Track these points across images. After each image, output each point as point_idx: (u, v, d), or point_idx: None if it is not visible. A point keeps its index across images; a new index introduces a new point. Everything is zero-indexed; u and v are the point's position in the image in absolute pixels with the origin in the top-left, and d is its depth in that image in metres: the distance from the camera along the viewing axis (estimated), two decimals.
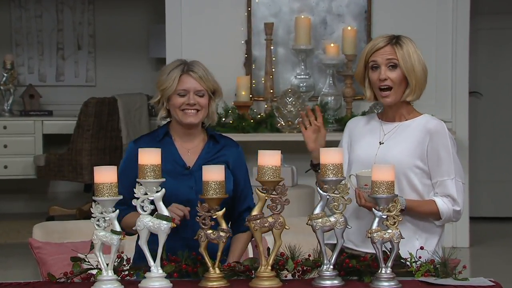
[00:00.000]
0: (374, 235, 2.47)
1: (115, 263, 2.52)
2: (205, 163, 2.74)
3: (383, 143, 2.84)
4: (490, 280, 2.57)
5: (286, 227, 2.50)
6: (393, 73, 2.80)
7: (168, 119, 3.03)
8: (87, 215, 2.84)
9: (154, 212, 2.50)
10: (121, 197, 2.48)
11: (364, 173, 2.67)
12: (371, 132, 2.88)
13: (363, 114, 5.83)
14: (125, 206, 2.67)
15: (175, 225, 2.49)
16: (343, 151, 2.56)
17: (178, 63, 3.01)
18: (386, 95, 2.81)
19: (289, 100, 5.70)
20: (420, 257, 2.63)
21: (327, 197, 2.50)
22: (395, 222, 2.48)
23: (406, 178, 2.78)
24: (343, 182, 2.51)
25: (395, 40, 2.83)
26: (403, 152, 2.80)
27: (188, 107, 2.93)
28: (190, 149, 2.95)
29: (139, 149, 2.52)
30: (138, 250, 2.69)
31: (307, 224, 2.53)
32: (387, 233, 2.47)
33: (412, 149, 2.80)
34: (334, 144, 2.93)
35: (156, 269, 2.47)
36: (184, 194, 2.83)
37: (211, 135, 3.01)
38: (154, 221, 2.47)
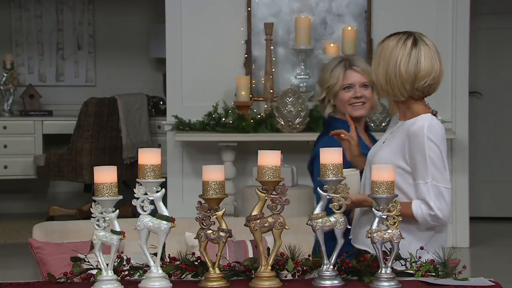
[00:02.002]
0: (374, 235, 2.47)
1: (115, 263, 2.52)
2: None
3: (384, 142, 2.87)
4: (490, 280, 2.57)
5: (286, 227, 2.50)
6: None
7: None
8: (87, 215, 2.84)
9: (155, 212, 2.50)
10: (120, 197, 2.48)
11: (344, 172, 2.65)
12: (389, 129, 2.93)
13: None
14: None
15: (175, 226, 2.48)
16: (341, 150, 2.55)
17: (339, 59, 3.19)
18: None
19: (289, 100, 5.70)
20: (420, 257, 2.63)
21: (327, 197, 2.50)
22: (395, 222, 2.48)
23: None
24: (343, 182, 2.51)
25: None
26: (386, 152, 2.82)
27: (355, 100, 3.15)
28: (366, 140, 3.17)
29: (139, 149, 2.52)
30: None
31: (307, 224, 2.53)
32: (387, 233, 2.47)
33: (395, 150, 2.80)
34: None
35: (156, 269, 2.47)
36: None
37: (366, 125, 3.27)
38: (154, 221, 2.47)
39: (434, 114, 2.82)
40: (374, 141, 3.26)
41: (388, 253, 2.51)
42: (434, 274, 2.55)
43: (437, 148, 2.75)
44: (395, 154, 2.79)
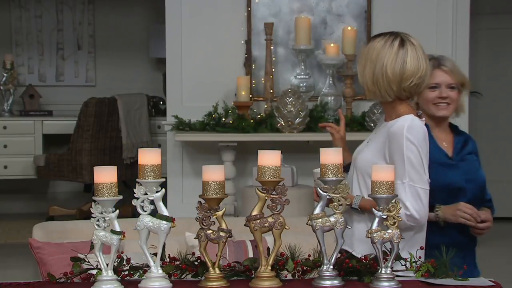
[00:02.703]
0: (374, 235, 2.47)
1: (115, 263, 2.52)
2: (462, 155, 3.04)
3: (368, 142, 2.90)
4: (490, 280, 2.57)
5: (286, 227, 2.50)
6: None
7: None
8: (87, 215, 2.84)
9: (155, 212, 2.50)
10: (120, 197, 2.48)
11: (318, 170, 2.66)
12: (375, 130, 2.96)
13: (363, 114, 5.84)
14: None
15: (175, 226, 2.48)
16: (341, 150, 2.56)
17: (428, 58, 3.08)
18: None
19: (289, 100, 5.70)
20: (420, 257, 2.63)
21: (327, 197, 2.50)
22: (395, 222, 2.48)
23: (370, 177, 2.79)
24: (343, 182, 2.51)
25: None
26: (370, 153, 2.84)
27: (440, 100, 3.09)
28: (444, 140, 3.11)
29: (139, 149, 2.52)
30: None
31: (307, 224, 2.53)
32: (387, 233, 2.47)
33: (376, 149, 2.83)
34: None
35: (156, 269, 2.47)
36: (456, 182, 3.01)
37: (452, 126, 3.19)
38: (154, 221, 2.46)
39: (418, 116, 2.84)
40: (459, 144, 3.15)
41: (388, 253, 2.51)
42: (434, 274, 2.55)
43: (416, 148, 2.75)
44: (377, 154, 2.81)
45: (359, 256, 2.63)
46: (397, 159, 2.75)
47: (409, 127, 2.76)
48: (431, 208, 2.95)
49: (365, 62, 2.81)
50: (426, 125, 3.05)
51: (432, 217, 2.97)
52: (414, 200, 2.73)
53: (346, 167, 2.90)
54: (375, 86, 2.80)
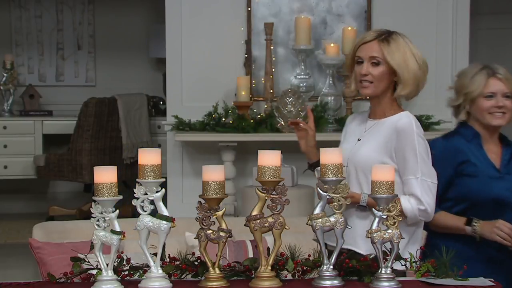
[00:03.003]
0: (374, 235, 2.47)
1: (115, 263, 2.52)
2: (509, 167, 3.01)
3: (360, 139, 2.87)
4: (490, 280, 2.57)
5: (286, 227, 2.50)
6: (375, 69, 2.82)
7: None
8: (87, 215, 2.84)
9: (155, 212, 2.50)
10: (120, 197, 2.48)
11: None
12: (358, 128, 2.93)
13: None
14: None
15: (175, 226, 2.48)
16: (341, 150, 2.55)
17: (480, 66, 3.12)
18: (365, 86, 2.84)
19: (289, 100, 5.70)
20: (420, 257, 2.63)
21: (327, 197, 2.50)
22: (395, 222, 2.48)
23: None
24: (343, 182, 2.51)
25: (383, 37, 2.82)
26: (372, 149, 2.82)
27: (496, 110, 3.07)
28: (493, 152, 3.09)
29: (139, 149, 2.52)
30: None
31: (307, 224, 2.53)
32: (387, 233, 2.47)
33: (381, 146, 2.81)
34: (335, 144, 2.94)
35: (156, 269, 2.47)
36: (501, 196, 2.98)
37: (502, 137, 3.16)
38: (154, 221, 2.46)
39: None
40: (507, 156, 3.13)
41: (388, 253, 2.51)
42: (434, 274, 2.55)
43: (425, 144, 2.80)
44: (379, 151, 2.80)
45: (364, 254, 2.64)
46: (409, 155, 2.76)
47: (416, 123, 2.81)
48: (469, 221, 2.95)
49: (406, 59, 2.80)
50: (477, 134, 3.06)
51: (469, 231, 2.97)
52: (427, 195, 2.76)
53: (314, 165, 2.93)
54: (416, 80, 2.82)
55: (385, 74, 2.81)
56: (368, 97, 2.92)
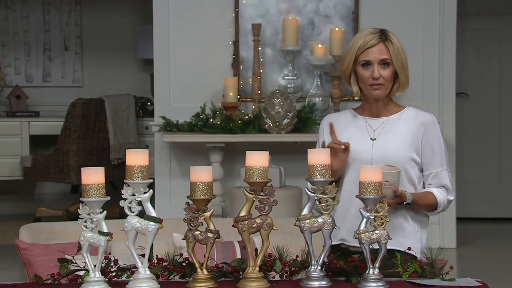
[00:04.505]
0: (362, 236, 2.47)
1: (103, 264, 2.51)
2: None
3: (375, 139, 2.86)
4: (477, 281, 2.58)
5: (274, 228, 2.50)
6: (385, 71, 2.83)
7: None
8: (74, 216, 2.84)
9: (142, 213, 2.50)
10: (108, 198, 2.47)
11: (385, 169, 2.68)
12: (357, 129, 2.90)
13: None
14: None
15: (162, 227, 2.48)
16: (329, 151, 2.54)
17: None
18: (378, 88, 2.83)
19: (277, 101, 5.70)
20: (407, 258, 2.64)
21: (315, 198, 2.50)
22: (382, 223, 2.49)
23: (405, 171, 2.82)
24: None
25: (384, 37, 2.83)
26: (399, 146, 2.83)
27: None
28: None
29: (127, 150, 2.51)
30: None
31: (295, 225, 2.53)
32: (374, 234, 2.48)
33: (408, 142, 2.84)
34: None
35: (143, 270, 2.47)
36: None
37: None
38: (142, 222, 2.46)
39: None
40: None
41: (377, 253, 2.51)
42: (421, 274, 2.56)
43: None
44: (407, 147, 2.83)
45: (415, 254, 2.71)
46: (437, 148, 2.85)
47: (434, 116, 2.91)
48: None
49: (403, 59, 2.84)
50: None
51: None
52: (452, 186, 2.91)
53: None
54: (407, 77, 2.86)
55: (393, 74, 2.83)
56: (360, 98, 2.94)
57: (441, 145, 2.86)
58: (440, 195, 2.85)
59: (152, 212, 2.47)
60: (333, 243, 2.59)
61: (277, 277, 2.59)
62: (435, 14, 6.04)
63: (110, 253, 2.61)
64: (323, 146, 2.87)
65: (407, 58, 2.87)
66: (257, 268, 2.49)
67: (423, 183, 2.89)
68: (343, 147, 2.83)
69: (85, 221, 2.46)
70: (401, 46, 2.85)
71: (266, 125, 5.72)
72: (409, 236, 2.83)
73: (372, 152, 2.83)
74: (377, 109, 2.89)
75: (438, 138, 2.86)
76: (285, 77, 6.00)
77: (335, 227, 2.52)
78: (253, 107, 5.93)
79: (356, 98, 2.97)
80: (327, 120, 2.97)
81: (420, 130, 2.84)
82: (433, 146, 2.85)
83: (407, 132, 2.84)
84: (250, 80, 5.99)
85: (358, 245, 2.50)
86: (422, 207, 2.85)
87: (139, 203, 2.48)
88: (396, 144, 2.83)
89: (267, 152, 2.51)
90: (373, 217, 2.49)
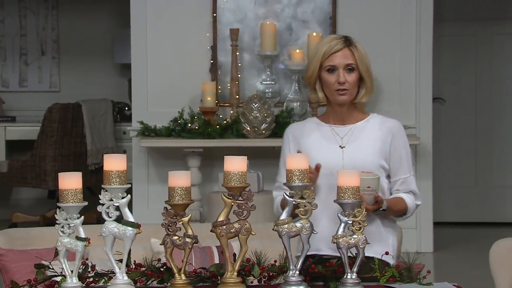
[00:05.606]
0: (340, 241, 2.48)
1: (80, 270, 2.50)
2: None
3: (344, 147, 2.86)
4: (454, 285, 2.59)
5: (252, 233, 2.50)
6: (350, 76, 2.84)
7: None
8: (51, 222, 2.82)
9: (120, 219, 2.49)
10: (85, 203, 2.46)
11: (364, 175, 2.68)
12: (324, 137, 2.89)
13: None
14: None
15: (140, 232, 2.47)
16: (308, 156, 2.55)
17: None
18: (343, 94, 2.84)
19: (255, 106, 5.71)
20: (386, 263, 2.65)
21: (293, 202, 2.50)
22: (360, 228, 2.49)
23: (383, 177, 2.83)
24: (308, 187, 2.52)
25: (349, 42, 2.85)
26: (369, 154, 2.84)
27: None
28: None
29: (105, 155, 2.50)
30: None
31: (273, 229, 2.53)
32: (352, 239, 2.49)
33: (377, 149, 2.85)
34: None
35: (121, 276, 2.46)
36: None
37: None
38: (120, 227, 2.45)
39: None
40: None
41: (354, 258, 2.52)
42: (399, 279, 2.57)
43: None
44: (378, 154, 2.85)
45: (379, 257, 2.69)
46: (404, 154, 2.87)
47: (400, 123, 2.93)
48: None
49: (368, 64, 2.85)
50: None
51: None
52: (418, 190, 2.92)
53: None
54: (372, 83, 2.88)
55: (358, 79, 2.84)
56: (325, 104, 2.95)
57: (408, 151, 2.88)
58: (409, 200, 2.87)
59: (130, 217, 2.47)
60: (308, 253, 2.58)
61: (255, 282, 2.59)
62: (412, 19, 6.08)
63: (87, 259, 2.60)
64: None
65: (370, 65, 2.88)
66: (235, 273, 2.49)
67: (390, 189, 2.90)
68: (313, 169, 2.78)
69: (62, 227, 2.44)
70: (365, 52, 2.86)
71: (244, 130, 5.73)
72: (382, 243, 2.84)
73: (343, 160, 2.83)
74: (342, 116, 2.89)
75: (405, 144, 2.88)
76: (263, 82, 6.01)
77: (313, 231, 2.52)
78: (231, 112, 5.93)
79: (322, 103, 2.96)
80: (291, 130, 2.97)
81: (388, 137, 2.85)
82: (401, 153, 2.86)
83: (376, 139, 2.85)
84: (228, 85, 5.99)
85: (331, 254, 2.51)
86: (394, 213, 2.86)
87: (117, 208, 2.47)
88: (366, 151, 2.84)
89: (245, 157, 2.51)
90: (351, 222, 2.49)
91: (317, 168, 2.80)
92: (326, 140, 2.86)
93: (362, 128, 2.86)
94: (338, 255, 2.50)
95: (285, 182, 2.52)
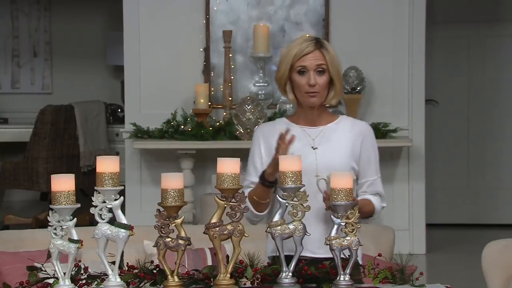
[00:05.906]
0: (333, 242, 2.48)
1: (73, 272, 2.50)
2: None
3: (316, 148, 2.85)
4: (446, 286, 2.60)
5: (245, 234, 2.50)
6: (321, 79, 2.83)
7: None
8: (43, 224, 2.82)
9: (113, 221, 2.49)
10: (78, 205, 2.46)
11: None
12: (296, 138, 2.87)
13: None
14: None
15: (133, 234, 2.47)
16: (301, 158, 2.55)
17: None
18: (314, 96, 2.83)
19: (248, 107, 5.71)
20: (378, 264, 2.66)
21: (286, 204, 2.51)
22: (353, 229, 2.50)
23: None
24: (302, 189, 2.52)
25: (320, 44, 2.84)
26: (341, 155, 2.84)
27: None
28: None
29: (97, 157, 2.50)
30: None
31: (266, 231, 2.53)
32: (345, 240, 2.49)
33: (349, 151, 2.85)
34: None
35: (114, 278, 2.45)
36: None
37: None
38: (113, 229, 2.45)
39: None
40: None
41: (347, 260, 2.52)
42: (391, 281, 2.57)
43: None
44: (349, 156, 2.85)
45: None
46: (373, 156, 2.88)
47: (369, 125, 2.96)
48: None
49: (338, 67, 2.85)
50: None
51: None
52: (384, 192, 2.93)
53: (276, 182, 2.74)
54: (341, 86, 2.87)
55: (328, 82, 2.84)
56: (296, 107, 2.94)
57: (377, 153, 2.90)
58: (377, 202, 2.88)
59: (123, 219, 2.46)
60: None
61: (248, 284, 2.59)
62: (405, 21, 6.09)
63: (80, 261, 2.59)
64: (274, 158, 2.74)
65: (340, 68, 2.87)
66: (228, 275, 2.49)
67: (357, 191, 2.90)
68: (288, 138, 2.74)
69: (55, 229, 2.44)
70: (335, 55, 2.85)
71: (237, 132, 5.73)
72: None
73: (316, 161, 2.82)
74: (312, 118, 2.89)
75: (374, 146, 2.90)
76: (256, 84, 6.01)
77: (306, 233, 2.53)
78: (224, 113, 5.93)
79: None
80: (261, 130, 2.96)
81: (358, 139, 2.86)
82: (370, 155, 2.87)
83: (347, 140, 2.85)
84: (221, 87, 5.99)
85: (315, 256, 2.50)
86: (361, 214, 2.83)
87: (110, 210, 2.47)
88: (339, 153, 2.84)
89: (238, 159, 2.51)
90: (344, 224, 2.50)
91: (284, 136, 2.72)
92: (298, 141, 2.85)
93: (333, 130, 2.87)
94: (313, 256, 2.50)
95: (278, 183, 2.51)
